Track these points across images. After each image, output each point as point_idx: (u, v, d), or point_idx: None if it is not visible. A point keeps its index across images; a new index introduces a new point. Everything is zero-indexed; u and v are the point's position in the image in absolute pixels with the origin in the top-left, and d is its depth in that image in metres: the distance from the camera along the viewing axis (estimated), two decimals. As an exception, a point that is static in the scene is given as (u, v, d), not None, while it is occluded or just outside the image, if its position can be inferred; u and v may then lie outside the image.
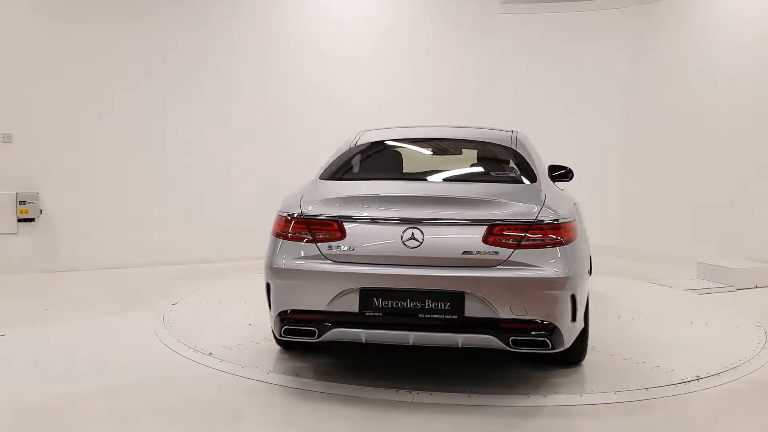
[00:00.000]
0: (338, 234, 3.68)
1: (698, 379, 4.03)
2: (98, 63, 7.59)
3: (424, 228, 3.60)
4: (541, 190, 3.90)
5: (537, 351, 3.57)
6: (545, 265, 3.51)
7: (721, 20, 8.13)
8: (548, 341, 3.51)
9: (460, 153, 4.86)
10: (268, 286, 3.81)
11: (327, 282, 3.62)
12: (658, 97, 8.90)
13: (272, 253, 3.78)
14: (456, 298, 3.52)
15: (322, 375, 4.06)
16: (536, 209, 3.61)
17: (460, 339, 3.55)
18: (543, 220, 3.57)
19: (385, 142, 4.78)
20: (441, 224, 3.61)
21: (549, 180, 4.36)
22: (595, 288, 6.61)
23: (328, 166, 4.40)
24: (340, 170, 4.36)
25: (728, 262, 7.02)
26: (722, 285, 6.78)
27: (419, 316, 3.55)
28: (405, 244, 3.58)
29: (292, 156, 8.17)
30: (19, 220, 7.34)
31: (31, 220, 7.38)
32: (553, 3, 9.51)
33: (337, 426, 3.41)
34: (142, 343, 4.75)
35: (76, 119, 7.55)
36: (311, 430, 3.39)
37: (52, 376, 4.10)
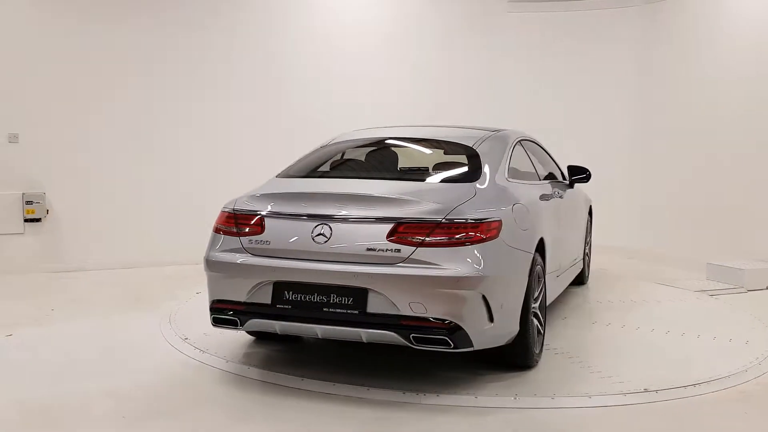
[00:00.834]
0: (258, 228, 3.87)
1: (647, 391, 3.84)
2: (104, 63, 7.59)
3: (332, 224, 3.70)
4: (475, 190, 3.89)
5: (439, 349, 3.57)
6: (448, 263, 3.51)
7: (731, 18, 8.06)
8: (449, 340, 3.51)
9: (424, 153, 4.91)
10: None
11: (245, 274, 3.80)
12: (667, 97, 8.84)
13: (208, 246, 4.04)
14: (359, 294, 3.58)
15: (324, 376, 4.02)
16: (447, 208, 3.62)
17: (363, 334, 3.61)
18: (453, 219, 3.58)
19: (353, 142, 4.92)
20: (348, 221, 3.70)
21: (502, 179, 4.20)
22: (601, 289, 6.55)
23: (289, 166, 4.60)
24: (298, 169, 4.53)
25: (739, 263, 6.95)
26: (733, 286, 6.71)
27: (324, 309, 3.64)
28: (314, 240, 3.70)
29: (297, 156, 8.11)
30: (26, 220, 7.34)
31: (38, 220, 7.38)
32: (561, 2, 9.45)
33: (345, 427, 3.39)
34: (148, 343, 4.74)
35: (83, 119, 7.55)
36: (317, 430, 3.37)
37: (58, 375, 4.09)
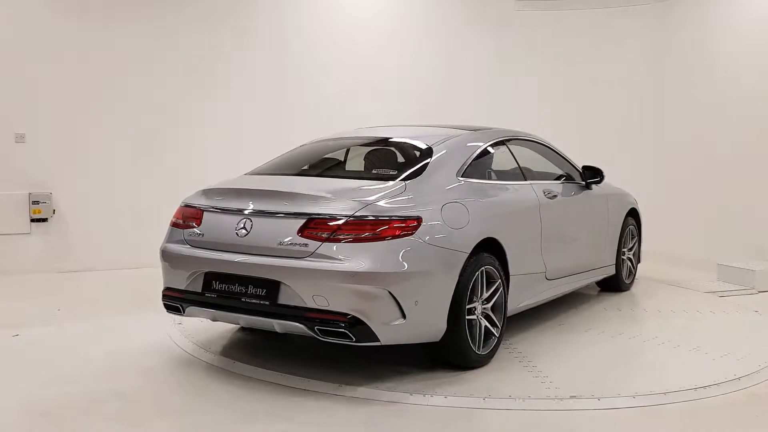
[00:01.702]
0: (197, 222, 4.17)
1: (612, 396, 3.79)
2: (112, 63, 7.58)
3: (254, 219, 3.92)
4: (405, 188, 3.97)
5: (344, 342, 3.67)
6: (351, 259, 3.62)
7: (742, 15, 7.98)
8: (350, 334, 3.61)
9: (381, 152, 4.95)
10: None
11: (184, 264, 4.10)
12: (678, 96, 8.76)
13: (165, 237, 4.36)
14: (272, 286, 3.76)
15: (335, 378, 4.01)
16: (359, 206, 3.72)
17: (276, 324, 3.80)
18: (361, 216, 3.69)
19: (324, 143, 5.13)
20: (267, 216, 3.89)
21: (449, 178, 4.26)
22: (608, 294, 6.49)
23: (263, 164, 4.87)
24: (264, 168, 4.79)
25: (750, 264, 6.89)
26: (743, 287, 6.65)
27: (242, 299, 3.84)
28: (237, 233, 3.92)
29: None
30: (32, 220, 7.33)
31: (44, 220, 7.37)
32: (570, 0, 9.39)
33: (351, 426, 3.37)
34: (155, 344, 4.72)
35: (89, 119, 7.54)
36: (321, 430, 3.35)
37: (65, 376, 4.08)
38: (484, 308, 4.21)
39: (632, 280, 6.63)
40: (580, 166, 5.86)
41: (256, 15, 8.23)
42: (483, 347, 4.18)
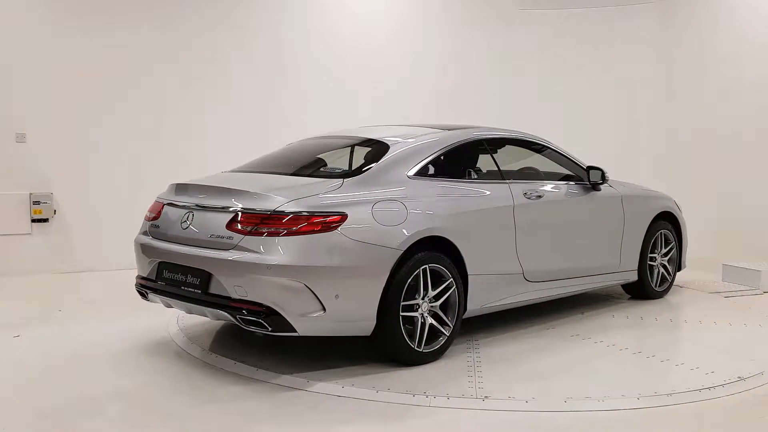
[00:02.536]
0: (158, 215, 4.49)
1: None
2: (113, 63, 7.56)
3: (194, 212, 4.18)
4: (341, 186, 4.12)
5: (263, 332, 3.86)
6: (269, 252, 3.78)
7: (750, 12, 7.95)
8: (265, 323, 3.79)
9: (349, 150, 5.03)
10: None
11: (146, 253, 4.42)
12: (686, 95, 8.72)
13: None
14: (203, 276, 3.98)
15: (337, 378, 4.00)
16: (283, 201, 3.88)
17: (208, 312, 4.06)
18: (283, 211, 3.84)
19: (303, 142, 5.30)
20: (204, 210, 4.15)
21: (397, 176, 4.34)
22: (610, 297, 6.46)
23: (247, 162, 5.05)
24: (240, 166, 5.00)
25: (755, 264, 6.85)
26: (749, 287, 6.62)
27: (182, 288, 4.10)
28: (182, 226, 4.21)
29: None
30: (33, 221, 7.30)
31: (45, 220, 7.35)
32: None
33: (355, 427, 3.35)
34: (156, 345, 4.71)
35: (90, 119, 7.52)
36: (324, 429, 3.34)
37: (66, 377, 4.07)
38: (432, 306, 4.25)
39: (667, 288, 6.28)
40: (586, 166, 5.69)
41: (257, 15, 8.21)
42: (426, 345, 4.23)
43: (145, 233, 4.57)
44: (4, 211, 7.20)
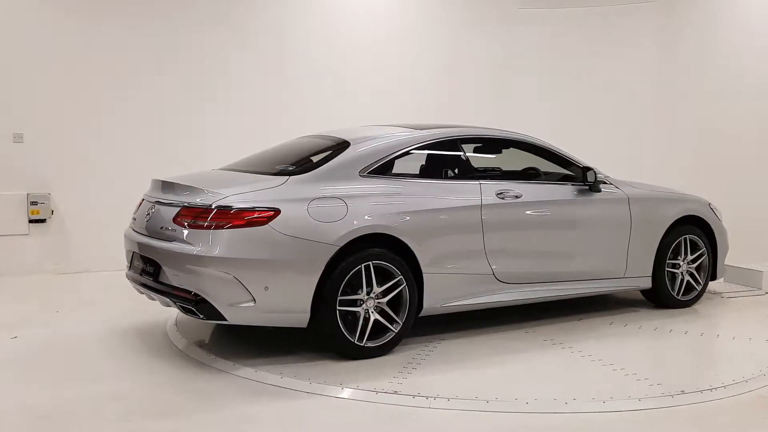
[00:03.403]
0: (137, 208, 4.84)
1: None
2: (111, 63, 7.52)
3: (156, 206, 4.49)
4: (285, 183, 4.31)
5: (198, 318, 4.16)
6: (202, 244, 4.04)
7: (753, 10, 7.93)
8: (196, 311, 4.08)
9: (328, 150, 5.05)
10: None
11: (124, 245, 4.77)
12: (688, 94, 8.69)
13: None
14: (156, 265, 4.29)
15: (338, 380, 3.99)
16: (220, 197, 4.13)
17: (157, 299, 4.39)
18: (219, 206, 4.08)
19: (290, 141, 5.46)
20: (162, 204, 4.45)
21: (348, 175, 4.47)
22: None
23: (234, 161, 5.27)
24: (228, 165, 5.17)
25: (757, 265, 6.83)
26: (750, 288, 6.59)
27: (143, 276, 4.44)
28: (145, 219, 4.54)
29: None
30: (31, 221, 7.26)
31: (43, 221, 7.31)
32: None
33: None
34: (154, 345, 4.70)
35: (88, 119, 7.48)
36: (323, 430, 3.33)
37: (64, 378, 4.05)
38: (379, 303, 4.34)
39: (695, 297, 5.89)
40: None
41: (257, 15, 8.18)
42: (370, 340, 4.33)
43: (129, 226, 4.90)
44: (2, 211, 7.16)
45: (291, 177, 4.39)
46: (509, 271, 4.95)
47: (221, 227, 4.02)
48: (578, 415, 3.55)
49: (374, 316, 4.33)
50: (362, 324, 4.29)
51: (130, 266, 4.67)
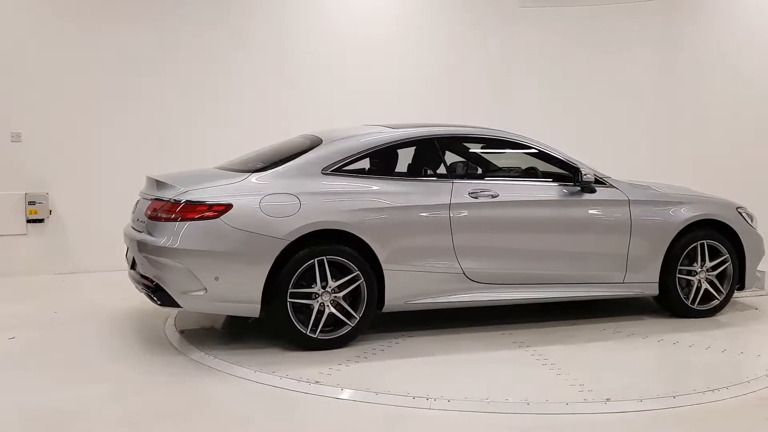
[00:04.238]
0: (135, 207, 5.07)
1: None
2: (110, 62, 7.50)
3: (140, 201, 4.87)
4: (245, 180, 4.52)
5: (156, 304, 4.45)
6: (160, 235, 4.35)
7: (753, 12, 7.93)
8: (154, 297, 4.42)
9: (292, 149, 5.15)
10: None
11: (124, 241, 4.98)
12: (689, 95, 8.65)
13: None
14: (132, 254, 4.69)
15: (337, 381, 3.98)
16: (181, 192, 4.41)
17: (135, 285, 4.71)
18: (178, 200, 4.36)
19: (284, 140, 5.54)
20: (144, 199, 4.80)
21: (309, 172, 4.63)
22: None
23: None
24: (224, 163, 5.34)
25: (760, 266, 6.78)
26: (753, 288, 6.50)
27: (132, 268, 4.78)
28: (133, 212, 4.98)
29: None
30: (29, 221, 7.23)
31: (41, 220, 7.28)
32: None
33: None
34: (153, 346, 4.69)
35: (87, 118, 7.45)
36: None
37: (62, 379, 4.03)
38: (336, 297, 4.47)
39: (715, 307, 5.52)
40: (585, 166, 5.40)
41: (257, 16, 8.15)
42: (324, 333, 4.48)
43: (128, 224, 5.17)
44: (-1, 211, 7.16)
45: (253, 174, 4.60)
46: (484, 271, 4.91)
47: (176, 220, 4.30)
48: (578, 416, 3.55)
49: (329, 309, 4.46)
50: (315, 317, 4.43)
51: (126, 257, 4.98)
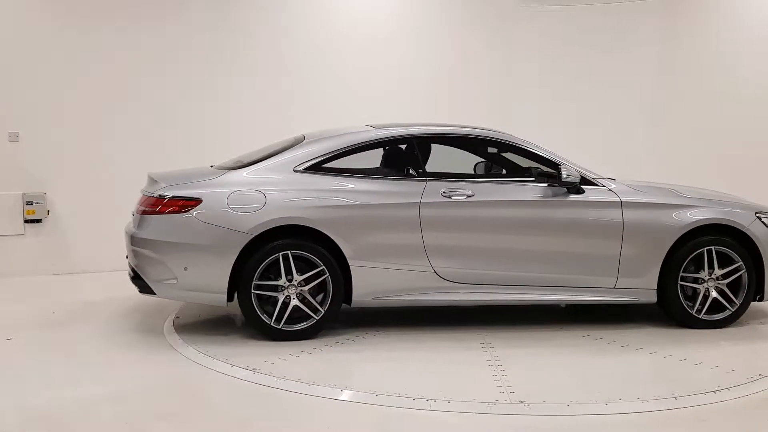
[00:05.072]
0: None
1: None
2: (108, 62, 7.48)
3: (140, 197, 5.01)
4: (220, 176, 4.83)
5: (138, 291, 4.82)
6: (140, 228, 4.74)
7: (755, 10, 7.93)
8: (135, 285, 4.84)
9: (283, 146, 5.34)
10: None
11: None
12: (690, 94, 8.65)
13: None
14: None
15: (336, 381, 3.98)
16: (160, 187, 4.75)
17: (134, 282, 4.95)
18: (157, 195, 4.70)
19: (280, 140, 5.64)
20: (142, 194, 4.98)
21: (282, 169, 4.84)
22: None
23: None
24: (223, 162, 5.46)
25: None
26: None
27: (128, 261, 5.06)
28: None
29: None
30: (26, 221, 7.21)
31: (38, 221, 7.26)
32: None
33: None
34: (152, 347, 4.68)
35: (85, 118, 7.43)
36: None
37: (60, 380, 4.03)
38: (302, 290, 4.66)
39: (726, 318, 5.09)
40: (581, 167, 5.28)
41: (256, 15, 8.14)
42: (287, 324, 4.67)
43: None
44: (-3, 211, 7.13)
45: (229, 171, 4.89)
46: (457, 270, 4.87)
47: (156, 213, 4.65)
48: (579, 417, 3.53)
49: (294, 302, 4.64)
50: (280, 308, 4.63)
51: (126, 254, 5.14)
